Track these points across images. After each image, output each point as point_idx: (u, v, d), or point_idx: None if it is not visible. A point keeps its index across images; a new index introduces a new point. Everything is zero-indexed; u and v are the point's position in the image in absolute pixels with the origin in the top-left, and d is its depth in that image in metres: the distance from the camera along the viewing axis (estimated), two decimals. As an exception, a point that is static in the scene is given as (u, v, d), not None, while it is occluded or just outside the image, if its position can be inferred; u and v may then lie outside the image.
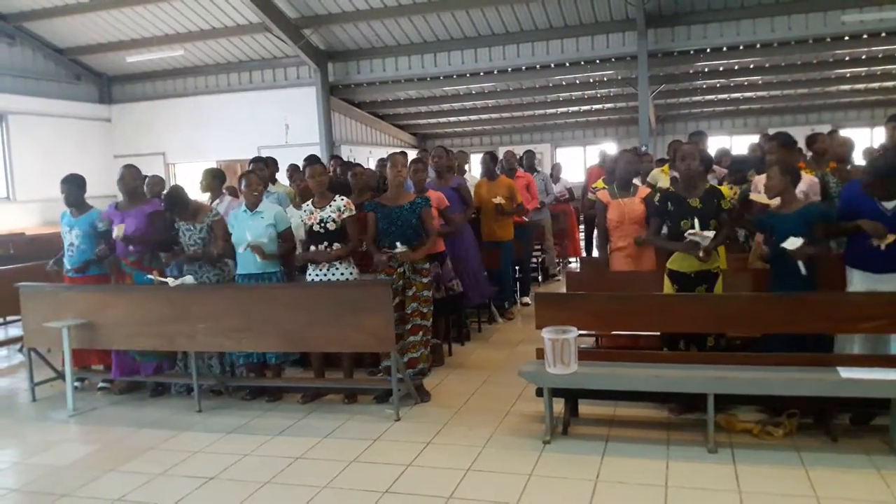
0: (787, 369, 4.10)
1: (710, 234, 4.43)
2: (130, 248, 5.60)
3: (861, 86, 16.04)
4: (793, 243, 4.24)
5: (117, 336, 5.38)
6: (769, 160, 5.28)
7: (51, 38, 15.66)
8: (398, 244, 5.05)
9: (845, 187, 4.74)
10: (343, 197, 5.31)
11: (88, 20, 14.67)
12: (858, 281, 4.44)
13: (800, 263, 4.27)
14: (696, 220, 4.49)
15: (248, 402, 5.40)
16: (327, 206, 5.19)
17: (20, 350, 6.82)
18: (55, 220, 5.90)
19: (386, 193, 5.37)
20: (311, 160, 5.81)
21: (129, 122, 17.15)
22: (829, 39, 13.08)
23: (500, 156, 8.71)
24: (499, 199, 7.37)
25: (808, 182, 5.21)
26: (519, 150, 9.93)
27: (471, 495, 3.69)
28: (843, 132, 9.49)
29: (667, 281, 4.73)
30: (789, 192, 4.53)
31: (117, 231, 5.48)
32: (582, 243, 11.50)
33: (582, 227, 11.36)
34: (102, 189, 6.43)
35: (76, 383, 5.64)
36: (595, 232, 6.89)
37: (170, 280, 5.28)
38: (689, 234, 4.45)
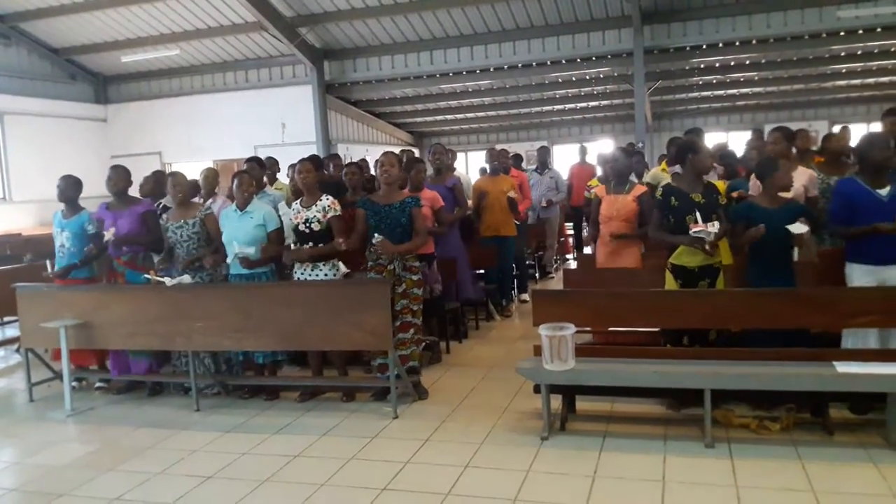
0: (784, 364, 4.11)
1: (716, 227, 4.43)
2: (124, 248, 5.60)
3: (857, 81, 16.04)
4: (799, 228, 4.29)
5: (114, 336, 5.38)
6: (774, 150, 5.24)
7: (45, 38, 15.64)
8: (376, 235, 5.00)
9: (840, 183, 4.71)
10: (329, 196, 5.29)
11: (83, 20, 14.64)
12: (860, 275, 4.42)
13: (796, 249, 4.31)
14: (698, 214, 4.49)
15: (246, 401, 5.40)
16: (313, 206, 5.19)
17: (17, 350, 6.82)
18: (51, 220, 5.90)
19: (378, 191, 5.37)
20: (310, 159, 5.79)
21: (125, 122, 17.13)
22: (824, 35, 13.08)
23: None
24: (513, 193, 7.43)
25: (807, 176, 5.21)
26: (516, 147, 9.96)
27: (469, 492, 3.69)
28: (838, 128, 9.47)
29: (669, 276, 4.73)
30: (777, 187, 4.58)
31: (108, 235, 5.47)
32: (571, 241, 11.58)
33: (569, 224, 11.43)
34: (99, 189, 6.40)
35: (74, 383, 5.63)
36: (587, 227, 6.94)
37: (167, 280, 5.27)
38: (695, 231, 4.45)
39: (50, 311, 5.45)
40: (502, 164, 8.26)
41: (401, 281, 5.15)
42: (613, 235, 5.48)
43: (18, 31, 15.16)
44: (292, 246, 5.25)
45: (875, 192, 4.36)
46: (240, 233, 5.22)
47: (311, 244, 5.14)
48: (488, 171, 7.97)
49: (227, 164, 15.22)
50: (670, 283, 4.73)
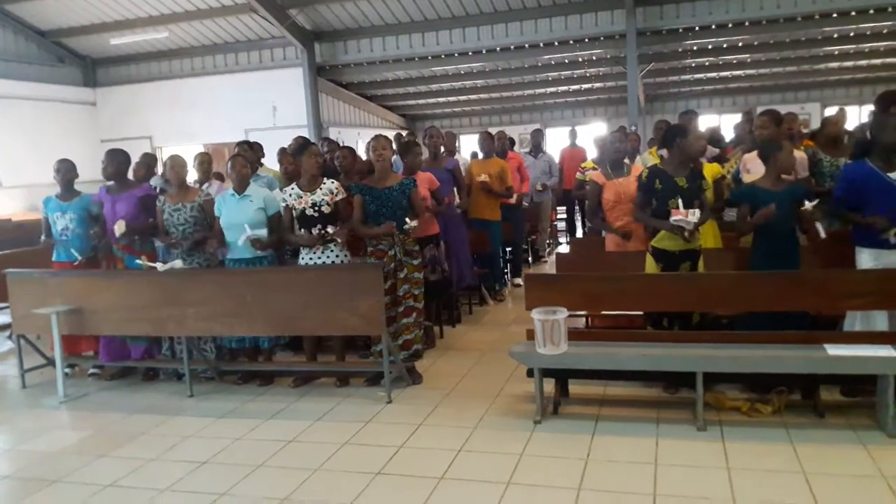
0: (775, 347, 4.13)
1: (696, 216, 4.44)
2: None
3: (849, 63, 16.04)
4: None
5: (107, 322, 5.36)
6: (761, 135, 5.25)
7: (33, 21, 15.45)
8: (407, 220, 5.09)
9: (849, 167, 4.62)
10: (333, 180, 5.30)
11: (71, 2, 14.45)
12: (867, 259, 4.41)
13: (818, 226, 4.33)
14: (679, 201, 4.49)
15: (240, 387, 5.40)
16: (318, 190, 5.17)
17: (9, 337, 6.79)
18: (40, 205, 5.86)
19: (372, 176, 5.37)
20: (303, 142, 5.77)
21: (114, 106, 16.97)
22: (817, 16, 13.05)
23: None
24: (483, 177, 7.37)
25: (797, 158, 5.21)
26: (509, 131, 9.93)
27: (462, 475, 3.71)
28: (830, 110, 9.47)
29: (650, 259, 4.74)
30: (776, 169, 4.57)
31: (118, 228, 5.41)
32: (560, 224, 11.55)
33: (560, 208, 11.41)
34: (90, 174, 6.39)
35: (66, 370, 5.62)
36: (584, 211, 6.89)
37: (159, 265, 5.25)
38: (675, 220, 4.44)
39: (41, 297, 5.42)
40: (499, 146, 8.21)
41: (402, 266, 5.17)
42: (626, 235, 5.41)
43: (5, 13, 14.96)
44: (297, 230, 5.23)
45: (886, 176, 4.31)
46: (240, 216, 5.20)
47: (320, 226, 5.11)
48: (480, 154, 7.94)
49: (218, 148, 15.13)
50: (651, 265, 4.74)
